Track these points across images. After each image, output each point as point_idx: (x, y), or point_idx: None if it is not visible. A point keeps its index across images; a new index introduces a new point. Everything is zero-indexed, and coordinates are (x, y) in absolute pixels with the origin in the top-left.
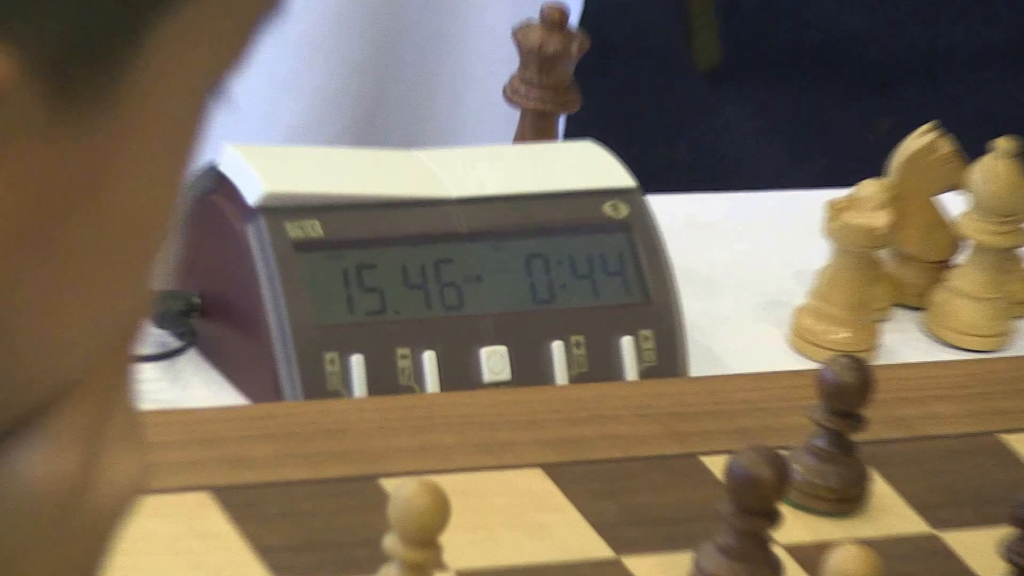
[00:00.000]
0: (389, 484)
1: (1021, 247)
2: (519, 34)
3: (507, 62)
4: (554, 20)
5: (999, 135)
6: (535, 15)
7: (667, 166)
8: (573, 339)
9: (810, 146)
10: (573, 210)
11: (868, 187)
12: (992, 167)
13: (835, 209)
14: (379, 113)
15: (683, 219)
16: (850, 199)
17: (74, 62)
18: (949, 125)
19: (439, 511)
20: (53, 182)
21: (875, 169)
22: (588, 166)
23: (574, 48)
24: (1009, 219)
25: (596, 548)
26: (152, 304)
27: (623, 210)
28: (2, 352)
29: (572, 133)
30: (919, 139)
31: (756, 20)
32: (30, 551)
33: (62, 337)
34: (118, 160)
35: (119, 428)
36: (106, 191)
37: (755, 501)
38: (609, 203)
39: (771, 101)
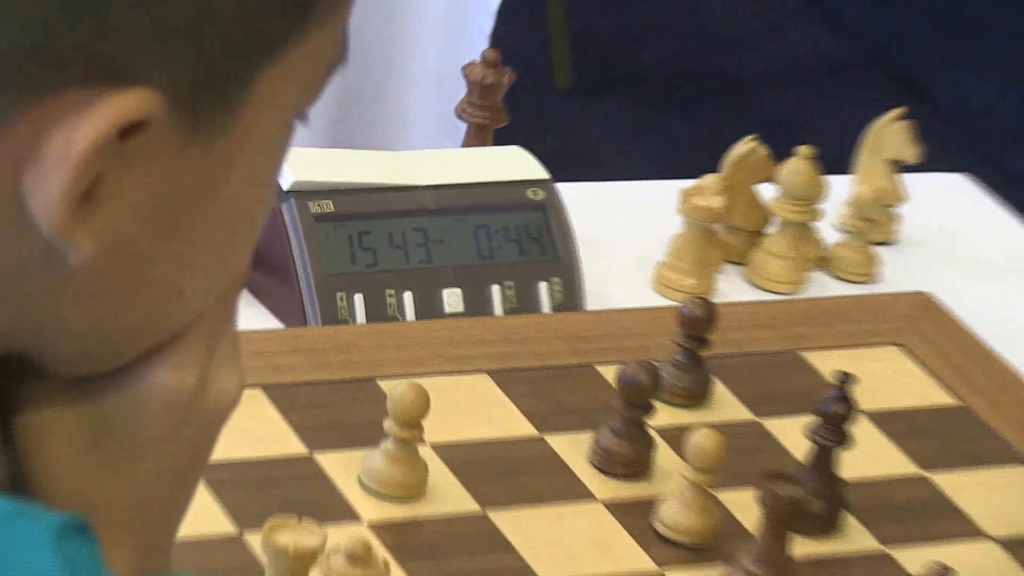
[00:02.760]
0: (384, 384)
1: (814, 221)
2: (466, 69)
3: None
4: (491, 60)
5: (799, 143)
6: (466, 56)
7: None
8: (506, 284)
9: (657, 150)
10: (506, 194)
11: (708, 179)
12: (795, 166)
13: (686, 194)
14: (346, 132)
15: (583, 200)
16: (696, 187)
17: (200, 100)
18: (745, 132)
19: (422, 403)
20: (183, 185)
21: (702, 163)
22: (516, 163)
23: (504, 80)
24: (806, 202)
25: (526, 429)
26: (250, 264)
27: (540, 194)
28: (147, 305)
29: (498, 140)
30: (744, 146)
31: (603, 49)
32: (157, 443)
33: (188, 290)
34: (231, 169)
35: (226, 352)
36: (222, 190)
37: (636, 398)
38: (531, 189)
39: (616, 112)
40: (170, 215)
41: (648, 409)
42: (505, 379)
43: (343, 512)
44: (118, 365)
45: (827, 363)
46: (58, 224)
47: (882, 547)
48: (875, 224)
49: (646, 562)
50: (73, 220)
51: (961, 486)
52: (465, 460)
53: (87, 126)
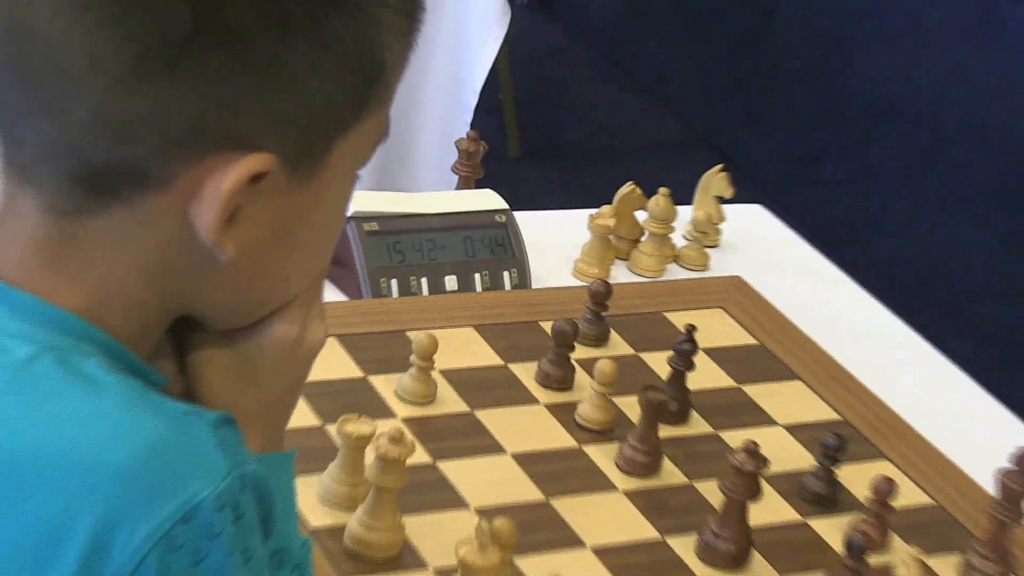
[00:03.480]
0: (410, 334)
1: (670, 234)
2: (458, 143)
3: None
4: (472, 137)
5: (659, 186)
6: (457, 135)
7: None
8: (483, 272)
9: (573, 192)
10: (482, 218)
11: (605, 208)
12: (657, 200)
13: (592, 218)
14: (384, 181)
15: (529, 222)
16: (598, 213)
17: (299, 160)
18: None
19: (433, 345)
20: (289, 212)
21: (601, 199)
22: (488, 200)
23: (480, 149)
24: (664, 222)
25: (496, 360)
26: (329, 261)
27: (503, 218)
28: (267, 286)
29: (477, 186)
30: (626, 188)
31: (539, 132)
32: (273, 371)
33: (291, 278)
34: (317, 203)
35: (316, 315)
36: (312, 216)
37: (563, 341)
38: (497, 215)
39: (549, 171)
40: (281, 231)
41: (571, 348)
42: (483, 330)
43: (385, 412)
44: (250, 323)
45: (679, 319)
46: (212, 237)
47: (714, 431)
48: (707, 235)
49: (570, 441)
50: (221, 234)
51: (759, 393)
52: (460, 380)
53: (230, 176)
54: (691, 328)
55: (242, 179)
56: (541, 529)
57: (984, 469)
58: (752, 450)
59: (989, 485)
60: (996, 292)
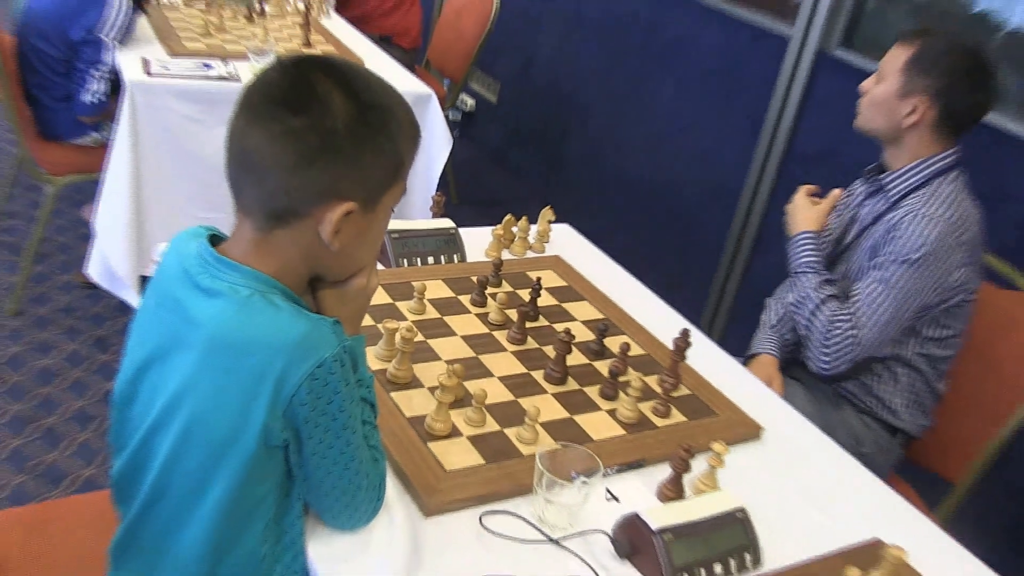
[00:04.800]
0: (414, 283)
1: (529, 237)
2: (432, 197)
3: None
4: (439, 195)
5: (520, 217)
6: (431, 192)
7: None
8: (445, 255)
9: (491, 217)
10: (444, 232)
11: (498, 226)
12: (522, 222)
13: (494, 231)
14: (400, 215)
15: (466, 233)
16: (496, 228)
17: (367, 203)
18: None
19: (424, 288)
20: (362, 229)
21: (495, 221)
22: (447, 223)
23: (442, 200)
24: (525, 232)
25: (451, 294)
26: (379, 251)
27: (453, 231)
28: (351, 263)
29: (441, 217)
30: (508, 217)
31: (470, 188)
32: (355, 301)
33: (364, 259)
34: (374, 224)
35: (374, 272)
36: (372, 230)
37: (483, 285)
38: (451, 229)
39: (475, 209)
40: (358, 236)
41: (486, 288)
42: (447, 281)
43: (403, 318)
44: (344, 278)
45: (533, 275)
46: (328, 240)
47: (550, 324)
48: (543, 237)
49: (485, 330)
50: (332, 239)
51: (569, 307)
52: (436, 303)
53: (336, 212)
54: (539, 279)
55: (341, 214)
56: (474, 369)
57: (667, 337)
58: (567, 331)
59: (669, 344)
60: (665, 254)
